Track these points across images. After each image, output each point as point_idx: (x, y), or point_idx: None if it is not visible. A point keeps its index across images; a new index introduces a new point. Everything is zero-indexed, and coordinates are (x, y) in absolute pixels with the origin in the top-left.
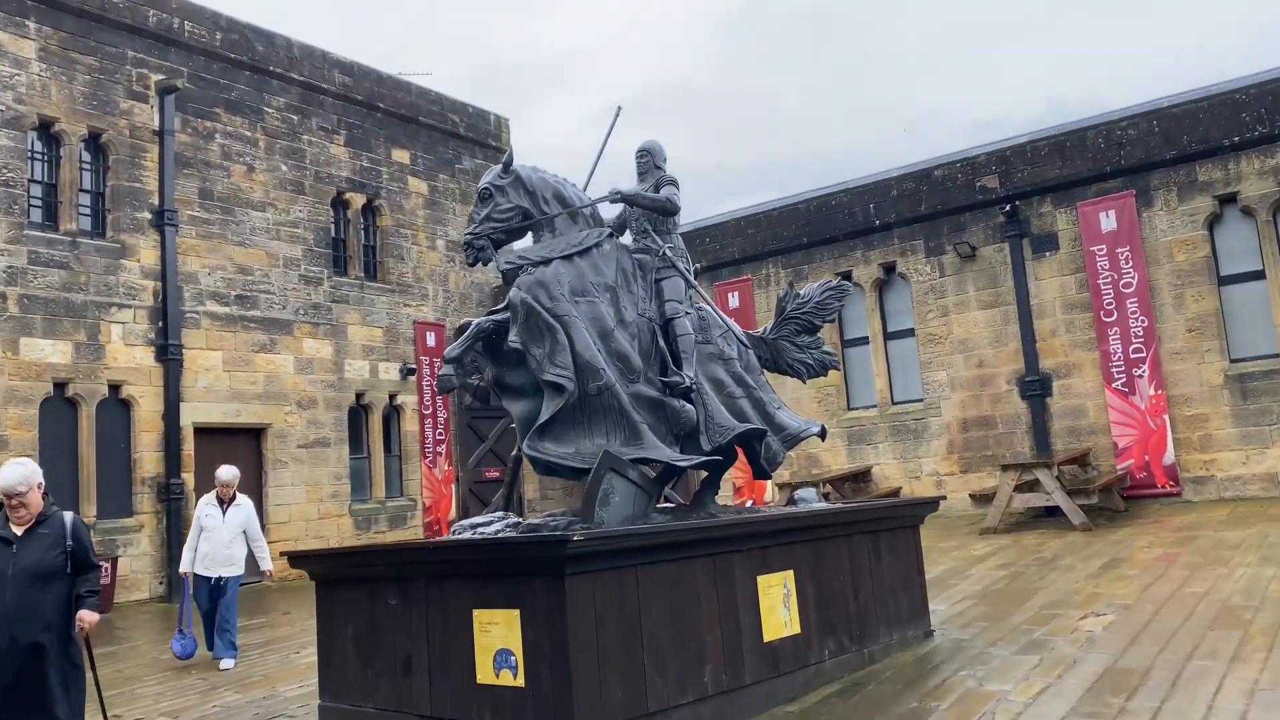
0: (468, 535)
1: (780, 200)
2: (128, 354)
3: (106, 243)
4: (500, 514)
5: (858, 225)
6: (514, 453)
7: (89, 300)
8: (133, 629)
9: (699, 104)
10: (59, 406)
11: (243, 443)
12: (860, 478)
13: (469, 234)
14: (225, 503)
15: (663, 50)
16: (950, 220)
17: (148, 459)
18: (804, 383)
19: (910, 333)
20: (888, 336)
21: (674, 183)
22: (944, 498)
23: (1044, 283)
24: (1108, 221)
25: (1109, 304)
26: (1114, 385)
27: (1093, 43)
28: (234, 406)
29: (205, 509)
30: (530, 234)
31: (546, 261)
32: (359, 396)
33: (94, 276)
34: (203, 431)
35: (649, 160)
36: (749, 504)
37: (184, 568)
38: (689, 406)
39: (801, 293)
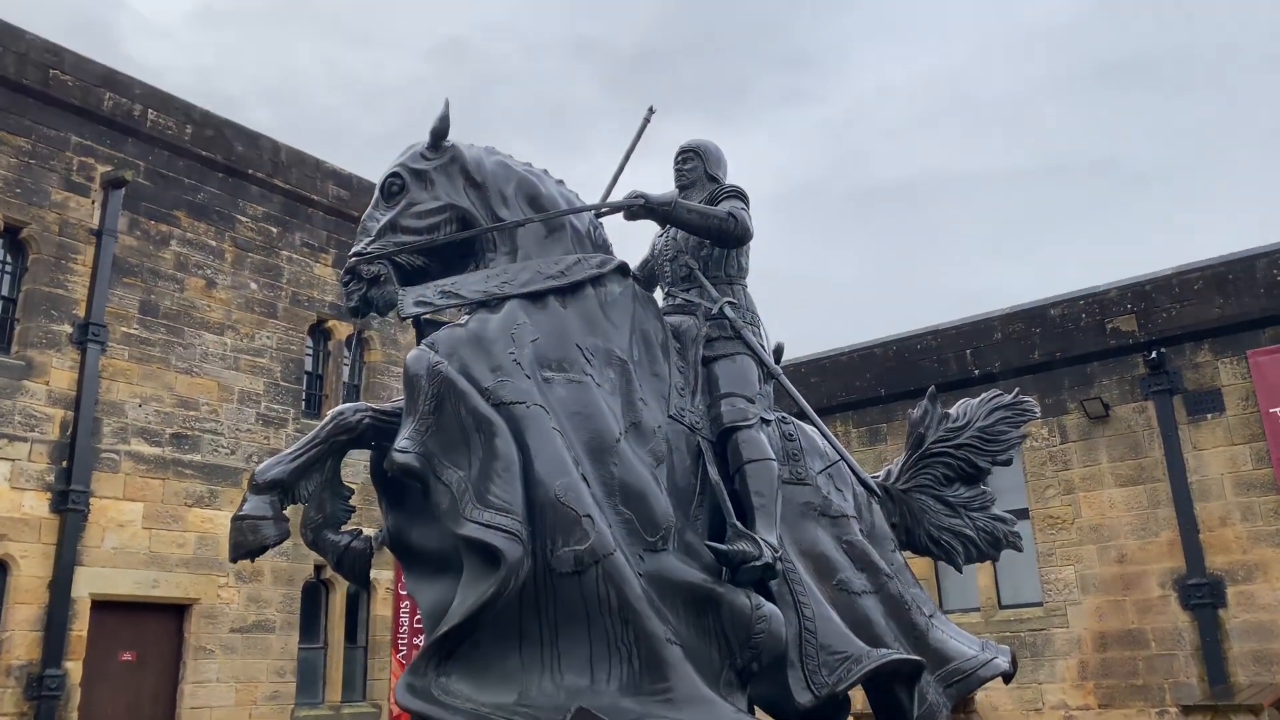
0: None
1: (852, 345)
2: (12, 500)
3: (8, 359)
4: None
5: (950, 375)
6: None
7: None
8: None
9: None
10: None
11: (155, 623)
12: (960, 709)
13: (354, 254)
14: None
15: None
16: (1073, 371)
17: (20, 640)
18: (959, 571)
19: (1024, 514)
20: None
21: (739, 195)
22: None
23: (1206, 454)
24: None
25: None
26: None
27: (1168, 239)
28: (151, 575)
29: None
30: (474, 261)
31: (493, 303)
32: (319, 570)
33: None
34: (103, 606)
35: (697, 166)
36: None
37: None
38: (768, 606)
39: (954, 412)
